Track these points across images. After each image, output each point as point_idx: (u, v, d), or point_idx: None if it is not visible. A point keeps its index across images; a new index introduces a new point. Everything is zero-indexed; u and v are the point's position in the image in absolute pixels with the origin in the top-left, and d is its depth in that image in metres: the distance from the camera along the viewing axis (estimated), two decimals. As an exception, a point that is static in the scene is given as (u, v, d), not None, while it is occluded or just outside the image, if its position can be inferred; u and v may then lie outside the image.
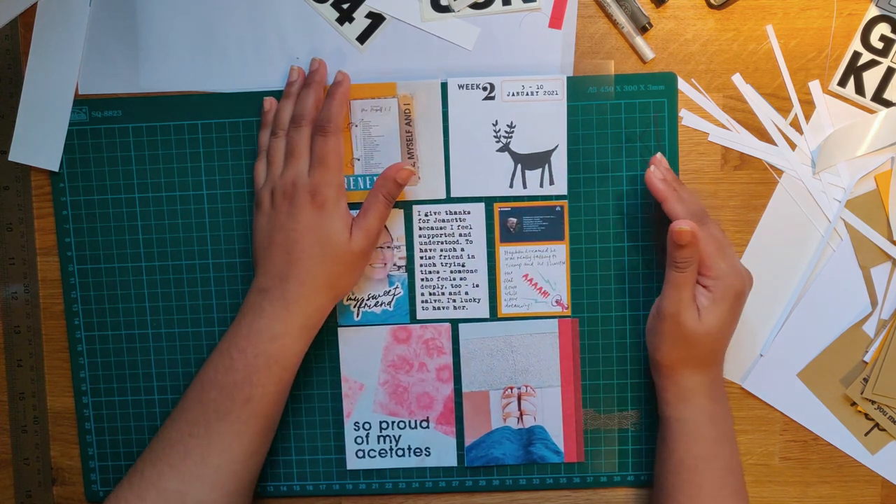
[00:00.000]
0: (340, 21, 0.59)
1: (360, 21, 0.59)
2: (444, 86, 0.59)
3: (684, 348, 0.54)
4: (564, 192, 0.59)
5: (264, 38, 0.60)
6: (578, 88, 0.59)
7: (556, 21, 0.59)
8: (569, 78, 0.59)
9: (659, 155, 0.57)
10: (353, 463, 0.61)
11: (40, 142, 0.60)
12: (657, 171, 0.55)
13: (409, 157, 0.59)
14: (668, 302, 0.53)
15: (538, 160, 0.59)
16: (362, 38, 0.59)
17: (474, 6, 0.59)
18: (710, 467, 0.53)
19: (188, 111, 0.60)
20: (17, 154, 0.60)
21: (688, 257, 0.52)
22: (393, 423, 0.61)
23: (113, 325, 0.61)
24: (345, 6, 0.59)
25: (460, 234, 0.60)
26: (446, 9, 0.59)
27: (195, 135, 0.60)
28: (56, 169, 0.60)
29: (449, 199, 0.60)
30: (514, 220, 0.60)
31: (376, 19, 0.59)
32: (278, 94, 0.59)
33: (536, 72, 0.59)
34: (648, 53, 0.59)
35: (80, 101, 0.60)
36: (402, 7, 0.59)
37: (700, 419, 0.54)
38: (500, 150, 0.59)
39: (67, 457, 0.63)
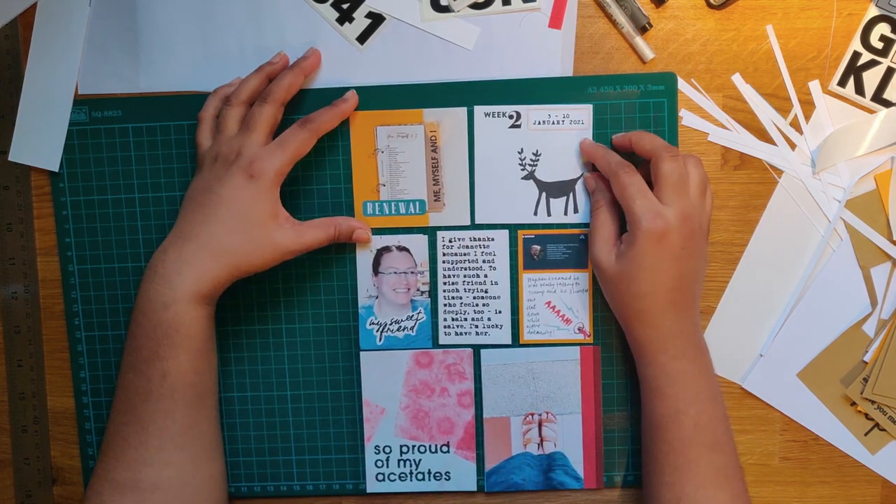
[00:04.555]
0: (340, 21, 0.59)
1: (360, 21, 0.59)
2: (470, 113, 0.59)
3: (616, 296, 0.55)
4: (588, 220, 0.59)
5: (264, 38, 0.60)
6: (578, 88, 0.59)
7: (556, 21, 0.59)
8: (570, 79, 0.59)
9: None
10: (372, 486, 0.61)
11: (40, 142, 0.60)
12: (587, 141, 0.59)
13: (434, 184, 0.59)
14: (588, 243, 0.57)
15: (563, 188, 0.59)
16: (362, 38, 0.59)
17: (474, 6, 0.59)
18: (676, 424, 0.53)
19: (188, 111, 0.60)
20: (17, 154, 0.60)
21: (595, 201, 0.57)
22: (413, 447, 0.61)
23: (113, 325, 0.61)
24: (345, 6, 0.59)
25: (484, 261, 0.60)
26: (446, 9, 0.59)
27: (195, 134, 0.60)
28: (56, 169, 0.60)
29: (473, 226, 0.60)
30: (537, 247, 0.60)
31: (376, 19, 0.59)
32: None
33: (536, 72, 0.59)
34: (648, 53, 0.59)
35: (80, 101, 0.60)
36: (402, 7, 0.59)
37: (659, 376, 0.54)
38: (525, 177, 0.59)
39: (67, 457, 0.63)
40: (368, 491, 0.62)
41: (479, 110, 0.59)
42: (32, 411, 0.62)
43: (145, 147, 0.60)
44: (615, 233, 0.56)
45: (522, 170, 0.59)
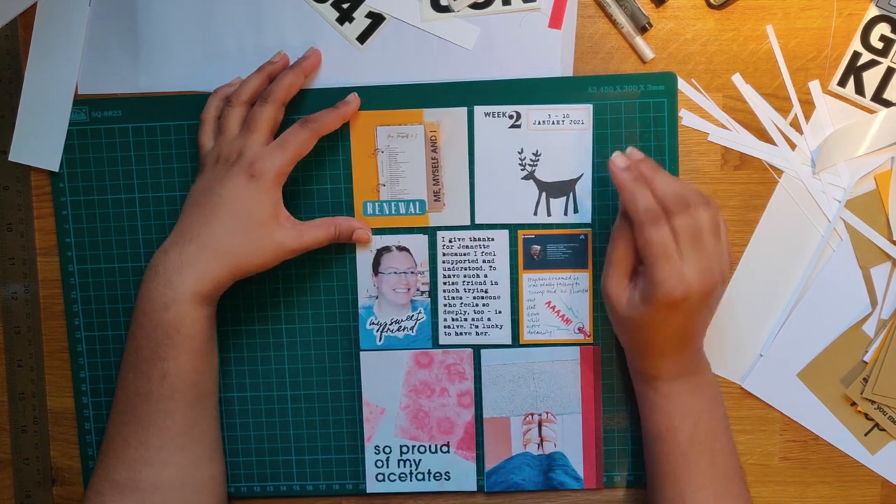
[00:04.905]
0: (340, 21, 0.59)
1: (360, 21, 0.59)
2: (470, 113, 0.59)
3: (623, 332, 0.55)
4: (588, 220, 0.59)
5: (264, 38, 0.59)
6: (578, 88, 0.59)
7: (556, 21, 0.59)
8: (570, 79, 0.59)
9: (632, 149, 0.54)
10: (372, 486, 0.61)
11: (40, 142, 0.60)
12: (619, 159, 0.52)
13: (434, 184, 0.59)
14: (603, 271, 0.55)
15: (563, 188, 0.59)
16: (362, 37, 0.59)
17: (474, 6, 0.59)
18: (673, 434, 0.54)
19: (188, 111, 0.60)
20: (17, 154, 0.60)
21: (617, 226, 0.53)
22: (413, 447, 0.61)
23: (113, 325, 0.61)
24: (345, 6, 0.59)
25: (484, 261, 0.60)
26: (446, 9, 0.59)
27: (195, 135, 0.60)
28: (56, 169, 0.60)
29: (473, 226, 0.60)
30: (537, 247, 0.60)
31: (376, 19, 0.59)
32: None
33: (536, 72, 0.59)
34: (648, 53, 0.59)
35: (80, 101, 0.60)
36: (402, 7, 0.59)
37: (656, 396, 0.55)
38: (525, 177, 0.59)
39: (67, 457, 0.63)
40: (368, 491, 0.61)
41: (479, 110, 0.59)
42: (32, 411, 0.62)
43: (145, 147, 0.60)
44: (632, 270, 0.54)
45: (522, 170, 0.59)
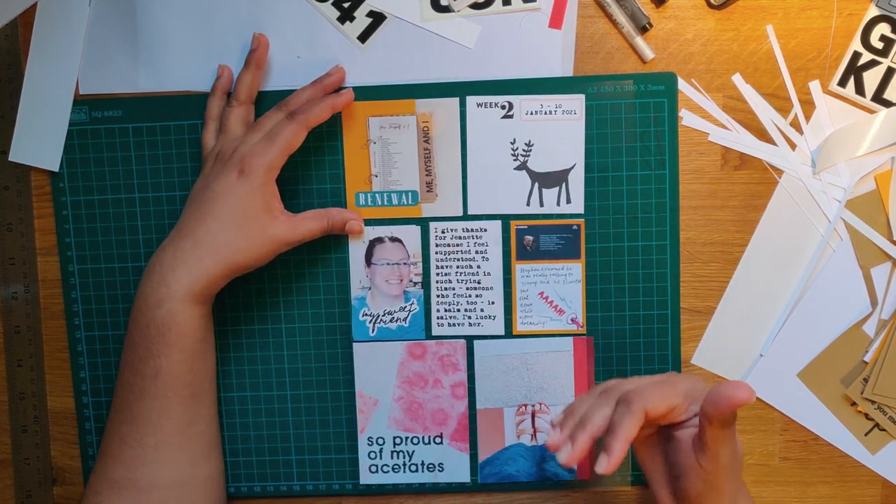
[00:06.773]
0: (341, 20, 0.59)
1: (361, 20, 0.59)
2: (462, 103, 0.59)
3: None
4: (581, 210, 0.59)
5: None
6: (578, 88, 0.59)
7: (556, 21, 0.59)
8: (570, 79, 0.59)
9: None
10: (366, 477, 0.61)
11: (40, 142, 0.60)
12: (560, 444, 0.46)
13: (426, 175, 0.59)
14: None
15: (555, 179, 0.59)
16: (363, 36, 0.59)
17: (474, 6, 0.59)
18: None
19: (188, 111, 0.60)
20: (17, 154, 0.60)
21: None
22: (407, 438, 0.61)
23: (113, 325, 0.61)
24: (345, 5, 0.59)
25: (476, 252, 0.60)
26: (446, 9, 0.59)
27: (195, 135, 0.60)
28: (56, 169, 0.60)
29: (466, 217, 0.60)
30: (530, 238, 0.60)
31: (377, 18, 0.59)
32: (280, 94, 0.58)
33: (536, 72, 0.59)
34: (648, 53, 0.59)
35: (80, 101, 0.60)
36: (403, 6, 0.59)
37: None
38: (518, 168, 0.59)
39: (68, 457, 0.63)
40: (361, 483, 0.61)
41: (472, 101, 0.59)
42: (32, 411, 0.62)
43: (145, 147, 0.60)
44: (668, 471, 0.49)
45: (515, 160, 0.59)
